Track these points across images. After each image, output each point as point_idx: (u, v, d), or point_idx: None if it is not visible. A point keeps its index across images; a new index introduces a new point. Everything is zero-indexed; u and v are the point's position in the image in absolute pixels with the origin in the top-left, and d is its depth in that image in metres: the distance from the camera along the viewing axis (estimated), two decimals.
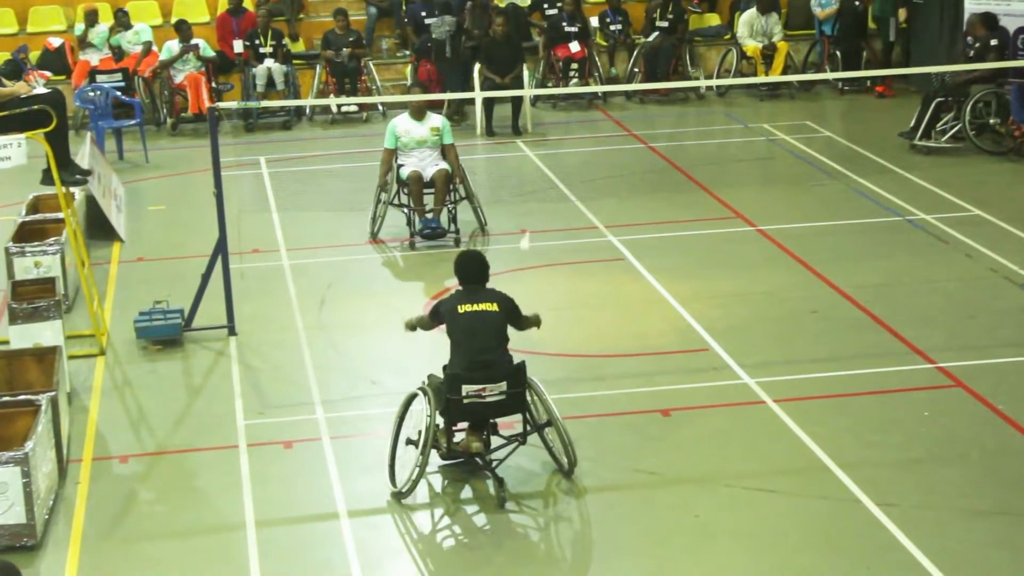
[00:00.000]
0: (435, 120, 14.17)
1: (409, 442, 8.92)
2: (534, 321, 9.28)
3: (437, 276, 13.02)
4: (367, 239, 14.05)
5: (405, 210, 13.95)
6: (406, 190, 13.89)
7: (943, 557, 7.94)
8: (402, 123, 14.10)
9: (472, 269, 9.09)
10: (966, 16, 18.36)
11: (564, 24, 20.24)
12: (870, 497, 8.63)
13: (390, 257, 13.76)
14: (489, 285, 9.11)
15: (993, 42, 16.80)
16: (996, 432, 9.57)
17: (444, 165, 13.99)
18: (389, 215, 14.05)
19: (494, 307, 8.91)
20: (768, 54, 20.38)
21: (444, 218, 13.93)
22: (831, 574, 7.92)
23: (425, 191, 13.96)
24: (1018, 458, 9.20)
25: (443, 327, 9.01)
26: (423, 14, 20.28)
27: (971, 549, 8.07)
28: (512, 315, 9.00)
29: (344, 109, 19.68)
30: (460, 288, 9.09)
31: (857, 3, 20.65)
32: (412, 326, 9.34)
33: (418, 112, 14.09)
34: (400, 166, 13.99)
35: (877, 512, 8.47)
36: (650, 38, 20.52)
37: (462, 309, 8.86)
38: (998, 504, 8.57)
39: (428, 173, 13.92)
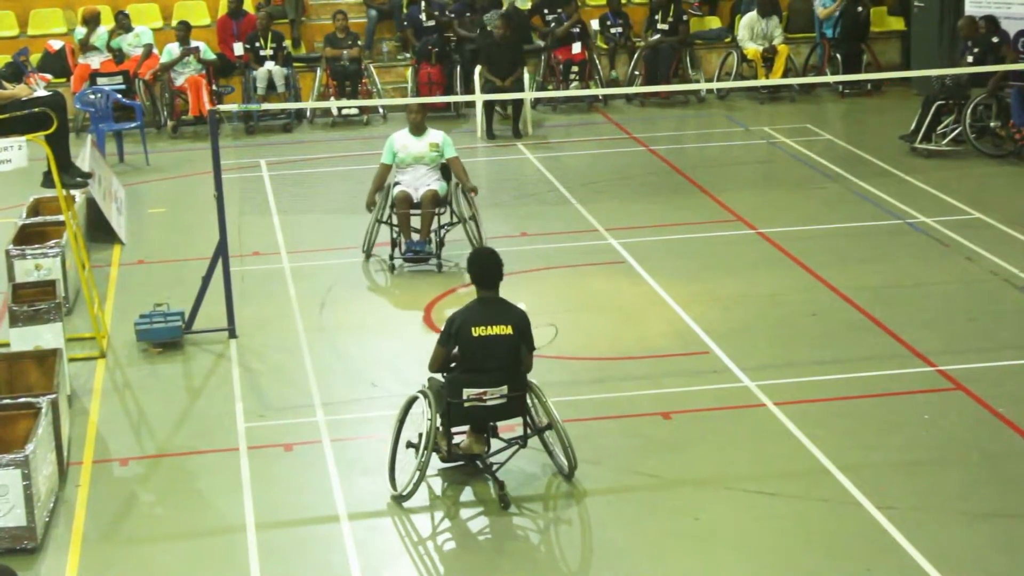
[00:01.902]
0: (434, 136, 13.41)
1: (409, 445, 8.91)
2: (530, 362, 8.92)
3: (437, 281, 12.99)
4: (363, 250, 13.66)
5: (393, 230, 13.28)
6: (394, 210, 13.25)
7: (943, 560, 7.94)
8: (400, 138, 13.44)
9: (489, 272, 8.88)
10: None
11: None
12: (870, 500, 8.64)
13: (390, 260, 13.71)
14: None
15: (995, 39, 16.81)
16: (996, 435, 9.57)
17: (435, 186, 13.24)
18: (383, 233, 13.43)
19: (508, 330, 8.73)
20: (768, 57, 20.39)
21: (433, 241, 13.21)
22: None
23: (414, 212, 13.25)
24: (1018, 460, 9.20)
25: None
26: (422, 17, 20.35)
27: (971, 552, 8.08)
28: (526, 335, 8.84)
29: (345, 112, 19.69)
30: (475, 300, 8.91)
31: (860, 9, 20.63)
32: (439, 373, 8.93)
33: (417, 128, 13.37)
34: (395, 184, 13.33)
35: (877, 515, 8.47)
36: (651, 39, 20.55)
37: (476, 332, 8.69)
38: (998, 507, 8.57)
39: (418, 193, 13.23)
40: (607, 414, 10.05)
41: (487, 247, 9.36)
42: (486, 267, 8.93)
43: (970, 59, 16.88)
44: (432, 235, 13.22)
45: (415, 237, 13.21)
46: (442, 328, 8.92)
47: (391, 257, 13.24)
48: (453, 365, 8.87)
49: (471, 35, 20.29)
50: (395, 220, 13.25)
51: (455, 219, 13.38)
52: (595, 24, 21.06)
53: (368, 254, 13.48)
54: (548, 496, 8.93)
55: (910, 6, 21.00)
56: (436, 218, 13.24)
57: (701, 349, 11.19)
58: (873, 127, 18.70)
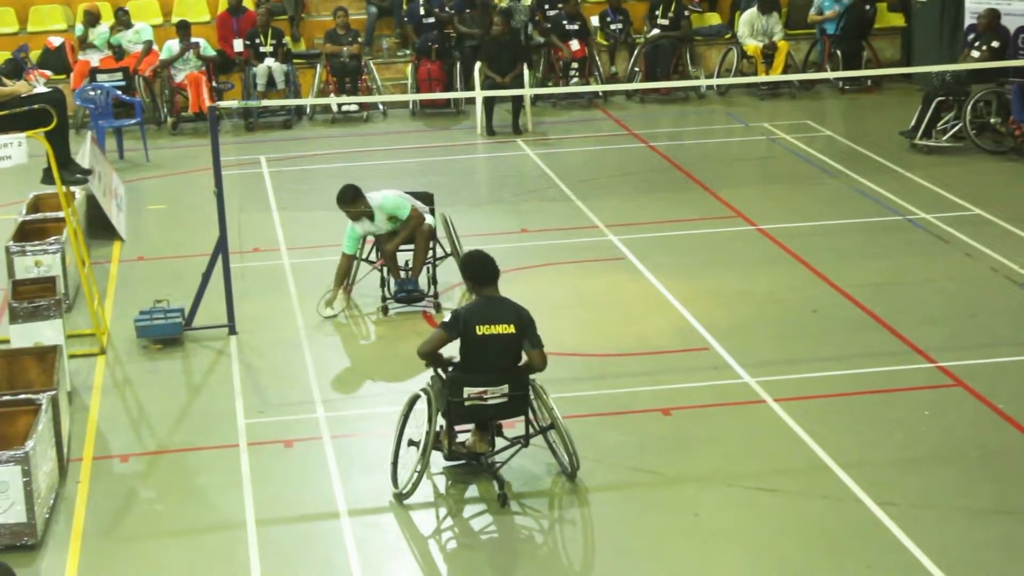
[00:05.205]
0: (379, 208, 12.04)
1: (411, 443, 8.91)
2: (539, 359, 8.81)
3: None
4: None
5: (381, 270, 12.24)
6: (377, 247, 12.31)
7: (943, 556, 7.94)
8: (358, 227, 12.15)
9: (486, 270, 8.91)
10: (967, 15, 18.38)
11: (565, 23, 20.28)
12: (870, 496, 8.64)
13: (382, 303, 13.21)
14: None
15: (995, 43, 16.80)
16: (996, 431, 9.58)
17: (429, 220, 12.28)
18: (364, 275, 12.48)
19: (511, 329, 8.71)
20: (768, 53, 20.39)
21: (423, 279, 12.24)
22: (831, 573, 7.93)
23: (402, 248, 12.19)
24: (1018, 457, 9.21)
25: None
26: (422, 13, 20.38)
27: (971, 548, 8.08)
28: (528, 331, 8.78)
29: (344, 108, 19.69)
30: (480, 297, 8.88)
31: (868, 7, 20.61)
32: (428, 357, 8.80)
33: (356, 217, 12.06)
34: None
35: (877, 511, 8.47)
36: (650, 34, 20.54)
37: (480, 331, 8.67)
38: (998, 503, 8.58)
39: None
40: (607, 411, 10.05)
41: (479, 251, 9.15)
42: (482, 266, 8.95)
43: (975, 54, 16.86)
44: (424, 271, 12.23)
45: (404, 276, 12.18)
46: (446, 319, 8.86)
47: (383, 299, 12.14)
48: (454, 363, 8.86)
49: (471, 31, 20.29)
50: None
51: (443, 253, 12.49)
52: (595, 20, 21.06)
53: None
54: (548, 494, 8.92)
55: (910, 2, 21.00)
56: (431, 251, 12.27)
57: (701, 345, 11.19)
58: (873, 123, 18.69)
